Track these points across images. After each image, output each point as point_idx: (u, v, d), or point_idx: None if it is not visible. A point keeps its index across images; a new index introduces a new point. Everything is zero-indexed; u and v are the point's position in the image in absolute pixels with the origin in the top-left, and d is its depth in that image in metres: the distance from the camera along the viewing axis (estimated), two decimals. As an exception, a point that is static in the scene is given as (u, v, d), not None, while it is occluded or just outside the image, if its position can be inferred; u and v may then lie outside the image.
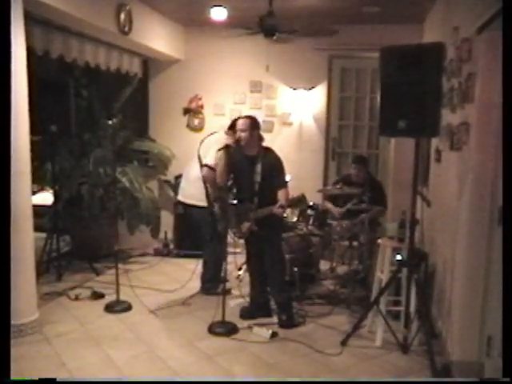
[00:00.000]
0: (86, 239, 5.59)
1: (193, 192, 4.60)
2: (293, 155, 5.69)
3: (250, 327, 3.95)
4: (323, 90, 6.22)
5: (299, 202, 3.78)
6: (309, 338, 3.82)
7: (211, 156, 4.36)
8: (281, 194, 3.87)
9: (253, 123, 4.02)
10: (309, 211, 4.90)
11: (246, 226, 4.01)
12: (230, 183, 4.22)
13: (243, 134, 3.96)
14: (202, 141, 4.55)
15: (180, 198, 4.85)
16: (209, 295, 4.56)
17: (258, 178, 3.95)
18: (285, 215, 4.44)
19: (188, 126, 6.51)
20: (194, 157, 4.61)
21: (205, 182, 4.44)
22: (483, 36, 2.96)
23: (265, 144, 4.15)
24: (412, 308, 3.56)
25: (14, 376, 2.16)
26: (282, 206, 3.77)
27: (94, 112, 5.66)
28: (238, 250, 4.87)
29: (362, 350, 3.65)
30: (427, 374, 3.24)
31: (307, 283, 4.75)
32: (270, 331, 3.83)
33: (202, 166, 4.44)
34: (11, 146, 3.26)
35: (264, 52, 5.86)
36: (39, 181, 5.24)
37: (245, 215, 4.02)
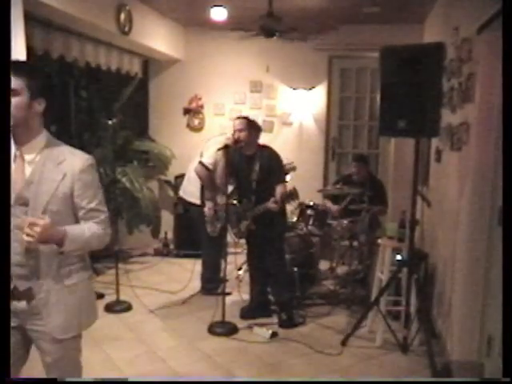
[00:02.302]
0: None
1: (192, 190, 4.62)
2: (293, 155, 5.67)
3: (250, 327, 3.95)
4: (323, 90, 6.22)
5: (290, 195, 3.81)
6: (309, 338, 3.82)
7: (208, 155, 4.37)
8: (277, 190, 3.87)
9: (249, 122, 4.03)
10: (309, 211, 4.90)
11: (244, 225, 4.03)
12: (232, 188, 4.23)
13: (242, 134, 3.96)
14: (209, 139, 4.55)
15: (181, 193, 4.88)
16: (209, 295, 4.56)
17: (255, 176, 3.96)
18: (288, 211, 4.45)
19: (188, 126, 6.52)
20: (197, 155, 4.63)
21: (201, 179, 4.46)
22: (483, 36, 2.96)
23: (264, 143, 4.16)
24: (412, 308, 3.57)
25: (13, 376, 2.16)
26: (275, 202, 3.77)
27: (94, 112, 5.66)
28: (238, 250, 4.87)
29: (362, 350, 3.65)
30: (427, 373, 3.24)
31: (307, 283, 4.75)
32: (270, 331, 3.84)
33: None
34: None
35: (264, 52, 5.86)
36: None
37: (243, 214, 4.04)
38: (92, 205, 1.94)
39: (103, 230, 1.96)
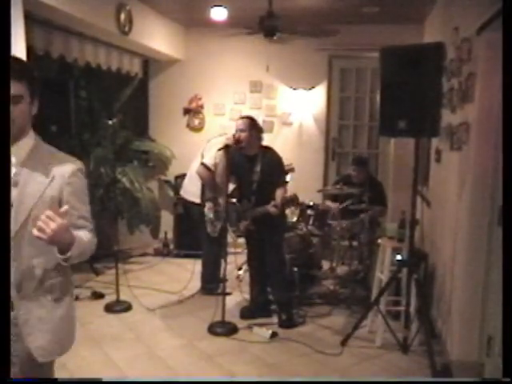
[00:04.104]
0: (86, 239, 5.58)
1: (193, 189, 4.63)
2: (293, 155, 5.68)
3: (249, 327, 3.95)
4: (323, 90, 6.21)
5: (291, 201, 3.84)
6: (309, 338, 3.82)
7: (210, 156, 4.37)
8: (278, 193, 3.88)
9: (252, 123, 4.03)
10: (309, 211, 4.90)
11: (243, 224, 4.04)
12: (232, 188, 4.23)
13: (243, 134, 3.96)
14: (209, 140, 4.55)
15: (182, 192, 4.89)
16: (209, 295, 4.56)
17: (256, 177, 3.97)
18: (287, 212, 4.45)
19: (188, 126, 6.51)
20: (197, 155, 4.63)
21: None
22: (483, 36, 2.96)
23: (264, 144, 4.15)
24: (412, 308, 3.57)
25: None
26: (275, 206, 3.77)
27: (94, 112, 5.66)
28: (238, 250, 4.87)
29: (362, 350, 3.65)
30: (427, 373, 3.24)
31: (307, 283, 4.75)
32: (270, 331, 3.84)
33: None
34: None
35: (264, 52, 5.86)
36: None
37: (243, 214, 4.04)
38: (82, 212, 1.79)
39: (94, 238, 1.80)
